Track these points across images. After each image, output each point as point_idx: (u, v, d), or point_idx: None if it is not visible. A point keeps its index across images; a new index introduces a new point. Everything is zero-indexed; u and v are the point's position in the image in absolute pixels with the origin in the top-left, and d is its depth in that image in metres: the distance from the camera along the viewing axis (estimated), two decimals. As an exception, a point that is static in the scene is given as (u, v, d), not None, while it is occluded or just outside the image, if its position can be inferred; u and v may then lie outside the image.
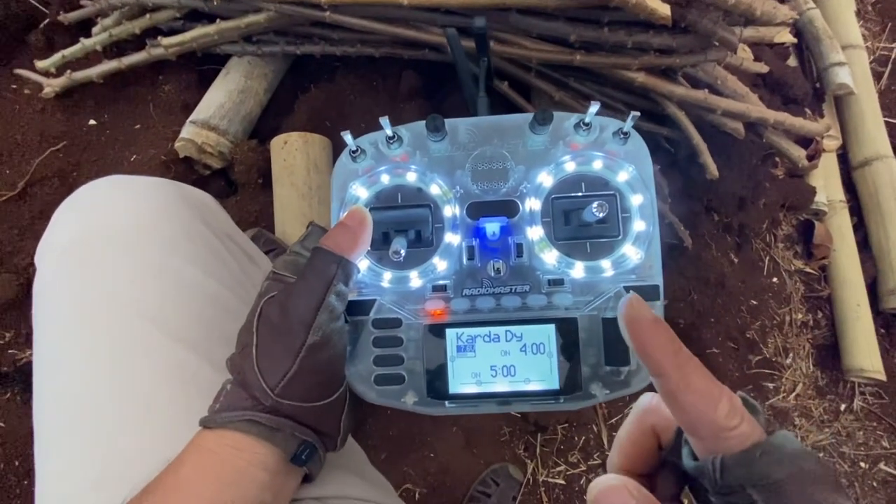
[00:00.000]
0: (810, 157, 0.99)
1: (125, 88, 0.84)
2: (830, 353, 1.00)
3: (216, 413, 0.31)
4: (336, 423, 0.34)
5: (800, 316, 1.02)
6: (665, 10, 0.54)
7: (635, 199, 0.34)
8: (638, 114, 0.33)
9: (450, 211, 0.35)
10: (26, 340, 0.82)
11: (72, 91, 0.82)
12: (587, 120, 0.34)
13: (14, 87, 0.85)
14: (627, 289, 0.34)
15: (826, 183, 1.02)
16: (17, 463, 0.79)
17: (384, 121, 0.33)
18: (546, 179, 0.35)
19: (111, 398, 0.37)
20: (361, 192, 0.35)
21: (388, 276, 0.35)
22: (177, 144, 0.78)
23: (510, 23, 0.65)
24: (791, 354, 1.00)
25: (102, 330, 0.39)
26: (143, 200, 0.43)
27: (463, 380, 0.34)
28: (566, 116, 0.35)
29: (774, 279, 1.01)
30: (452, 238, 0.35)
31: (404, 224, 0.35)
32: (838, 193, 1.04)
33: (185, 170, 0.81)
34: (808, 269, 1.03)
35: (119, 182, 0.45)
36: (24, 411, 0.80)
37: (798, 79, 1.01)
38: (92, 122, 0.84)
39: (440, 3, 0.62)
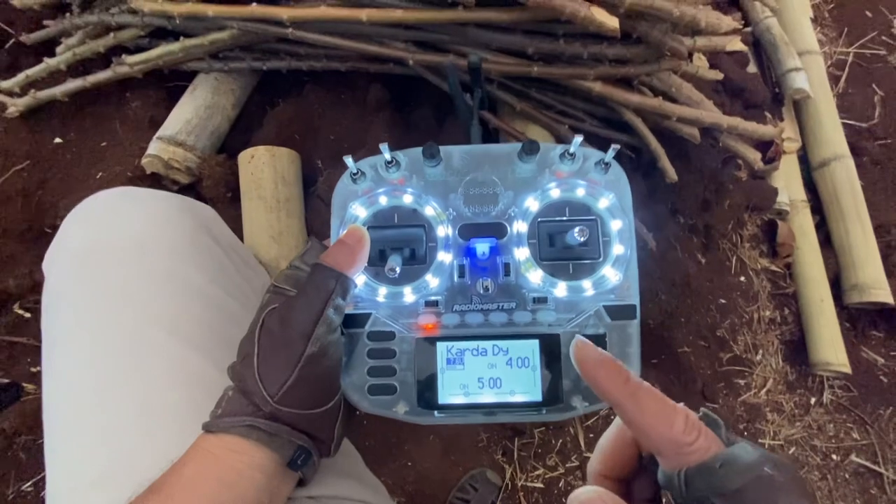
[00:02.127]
0: (770, 160, 1.02)
1: (91, 106, 0.84)
2: (798, 348, 1.03)
3: (218, 418, 0.33)
4: (331, 430, 0.36)
5: (767, 313, 1.04)
6: (613, 22, 0.56)
7: (615, 225, 0.37)
8: (618, 146, 0.36)
9: (443, 231, 0.38)
10: (-8, 362, 0.81)
11: (37, 110, 0.82)
12: (572, 150, 0.37)
13: (-23, 107, 0.85)
14: (606, 308, 0.37)
15: (788, 184, 1.06)
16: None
17: (383, 146, 0.36)
18: (532, 204, 0.38)
19: (119, 398, 0.39)
20: (360, 211, 0.38)
21: (383, 291, 0.37)
22: (143, 161, 0.78)
23: (469, 37, 0.67)
24: (761, 351, 1.03)
25: (111, 332, 0.41)
26: (151, 211, 0.45)
27: (452, 391, 0.36)
28: (552, 147, 0.38)
29: (742, 278, 1.04)
30: (445, 257, 0.37)
31: (400, 242, 0.37)
32: (800, 193, 1.07)
33: (153, 186, 0.80)
34: (773, 268, 1.06)
35: (128, 193, 0.47)
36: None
37: (758, 84, 1.05)
38: (57, 140, 0.84)
39: (399, 19, 0.64)
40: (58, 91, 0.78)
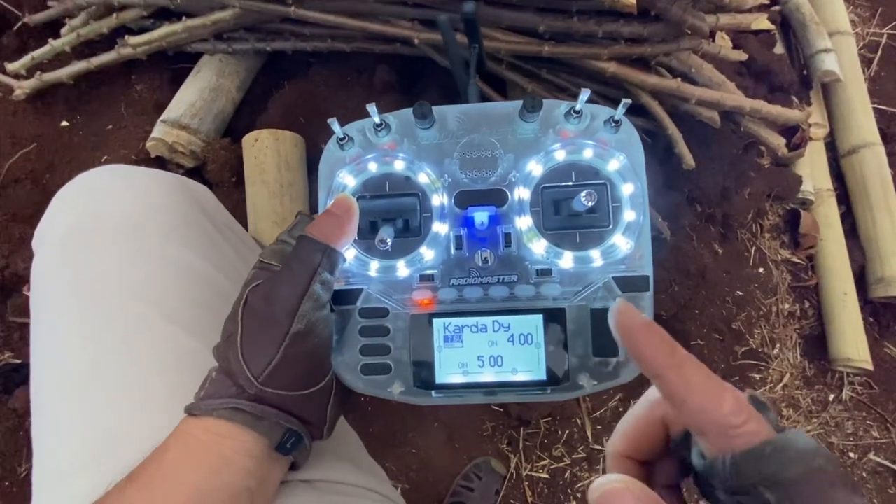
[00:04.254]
0: (796, 146, 0.97)
1: (97, 89, 0.84)
2: (818, 343, 0.99)
3: (201, 400, 0.32)
4: (322, 412, 0.34)
5: (786, 306, 1.01)
6: (630, -2, 0.53)
7: (626, 189, 0.34)
8: (629, 101, 0.32)
9: (438, 200, 0.35)
10: (4, 342, 0.82)
11: (43, 93, 0.82)
12: (578, 108, 0.33)
13: (-15, 90, 0.85)
14: (616, 279, 0.34)
15: (813, 171, 1.01)
16: (-2, 464, 0.79)
17: (371, 108, 0.33)
18: (535, 168, 0.35)
19: (106, 379, 0.38)
20: (349, 180, 0.35)
21: (375, 265, 0.35)
22: (148, 144, 0.77)
23: (479, 14, 0.64)
24: (778, 345, 0.99)
25: (101, 312, 0.39)
26: (142, 188, 0.44)
27: (450, 370, 0.34)
28: (556, 104, 0.35)
29: (760, 269, 1.00)
30: (440, 227, 0.35)
31: (392, 213, 0.35)
32: (826, 182, 1.02)
33: (158, 169, 0.80)
34: (794, 259, 1.02)
35: (118, 171, 0.45)
36: (4, 412, 0.80)
37: (784, 66, 0.99)
38: (64, 123, 0.84)
39: (403, -4, 0.61)
40: (63, 73, 0.78)
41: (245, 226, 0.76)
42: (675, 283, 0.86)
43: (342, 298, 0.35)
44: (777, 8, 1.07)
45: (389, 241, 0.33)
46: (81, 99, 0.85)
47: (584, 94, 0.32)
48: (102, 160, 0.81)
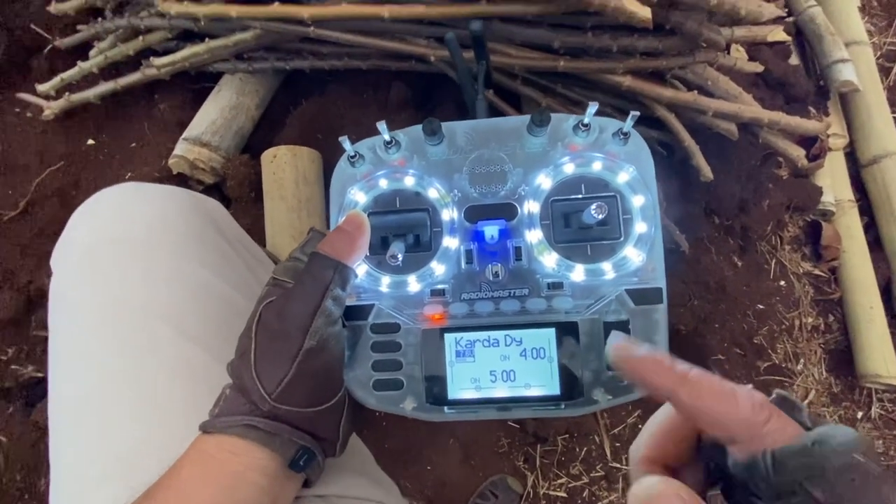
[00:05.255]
0: (815, 157, 0.96)
1: (122, 108, 0.86)
2: (844, 358, 0.96)
3: (216, 418, 0.32)
4: (335, 428, 0.34)
5: (810, 320, 0.98)
6: (645, 12, 0.53)
7: (636, 201, 0.34)
8: (637, 114, 0.33)
9: (448, 215, 0.35)
10: (27, 356, 0.84)
11: (72, 113, 0.85)
12: (586, 121, 0.33)
13: (17, 110, 0.88)
14: (629, 292, 0.33)
15: (833, 182, 0.99)
16: (18, 477, 0.80)
17: (381, 125, 0.34)
18: (545, 181, 0.35)
19: (123, 393, 0.38)
20: (360, 196, 0.36)
21: (386, 280, 0.35)
22: (170, 161, 0.79)
23: (493, 31, 0.65)
24: (802, 360, 0.96)
25: (116, 329, 0.40)
26: (157, 206, 0.45)
27: (462, 385, 0.34)
28: (564, 118, 0.35)
29: (782, 282, 0.98)
30: (451, 242, 0.35)
31: (403, 228, 0.35)
32: (847, 193, 1.00)
33: (179, 186, 0.82)
34: (817, 272, 0.99)
35: (133, 188, 0.46)
36: (27, 426, 0.81)
37: (800, 77, 0.99)
38: (90, 141, 0.87)
39: (421, 14, 0.62)
40: (91, 94, 0.80)
41: (263, 240, 0.77)
42: (694, 296, 0.85)
43: (354, 314, 0.35)
44: (791, 19, 1.06)
45: (400, 257, 0.33)
46: (107, 118, 0.87)
47: (592, 107, 0.32)
48: (126, 177, 0.83)
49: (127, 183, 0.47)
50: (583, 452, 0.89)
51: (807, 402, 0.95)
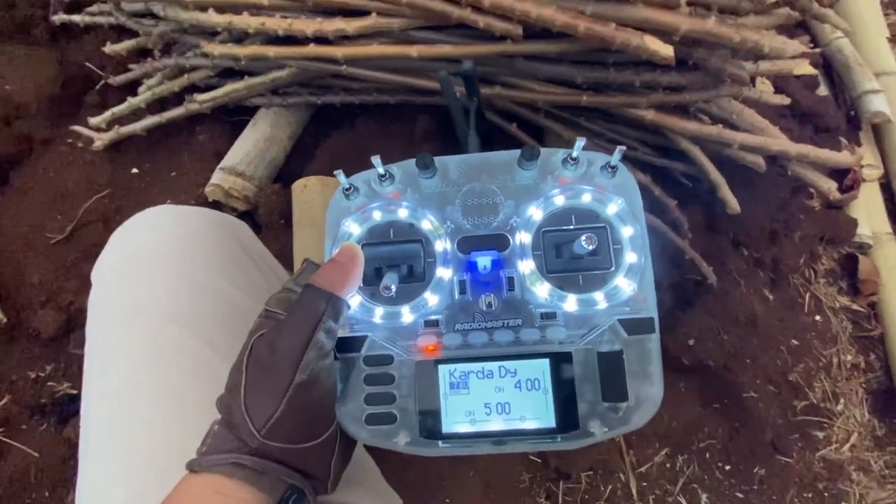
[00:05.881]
0: (848, 188, 0.93)
1: (164, 139, 0.91)
2: (888, 399, 0.91)
3: (203, 456, 0.32)
4: (326, 465, 0.34)
5: (849, 357, 0.93)
6: (668, 51, 0.54)
7: (626, 231, 0.34)
8: (624, 148, 0.34)
9: (441, 246, 0.36)
10: (64, 374, 0.87)
11: (118, 143, 0.90)
12: (574, 154, 0.34)
13: (69, 140, 0.94)
14: (622, 322, 0.33)
15: (869, 214, 0.96)
16: (47, 493, 0.82)
17: (375, 160, 0.35)
18: (536, 213, 0.35)
19: (145, 394, 0.40)
20: (354, 228, 0.36)
21: (379, 311, 0.35)
22: (206, 189, 0.83)
23: (516, 68, 0.67)
24: (842, 400, 0.91)
25: (143, 333, 0.42)
26: (186, 224, 0.48)
27: (456, 418, 0.33)
28: (553, 152, 0.36)
29: (817, 317, 0.94)
30: (444, 272, 0.35)
31: (396, 259, 0.36)
32: (884, 225, 0.97)
33: (200, 207, 0.86)
34: (855, 307, 0.95)
35: (166, 210, 0.51)
36: (58, 442, 0.84)
37: (829, 108, 0.98)
38: (134, 170, 0.92)
39: (448, 54, 0.65)
40: (137, 126, 0.86)
41: (291, 266, 0.79)
42: (724, 330, 0.82)
43: (347, 346, 0.35)
44: (818, 50, 1.06)
45: (394, 288, 0.33)
46: (150, 148, 0.93)
47: (580, 142, 0.33)
48: (164, 203, 0.88)
49: (159, 206, 0.51)
50: (607, 491, 0.86)
51: (849, 445, 0.89)
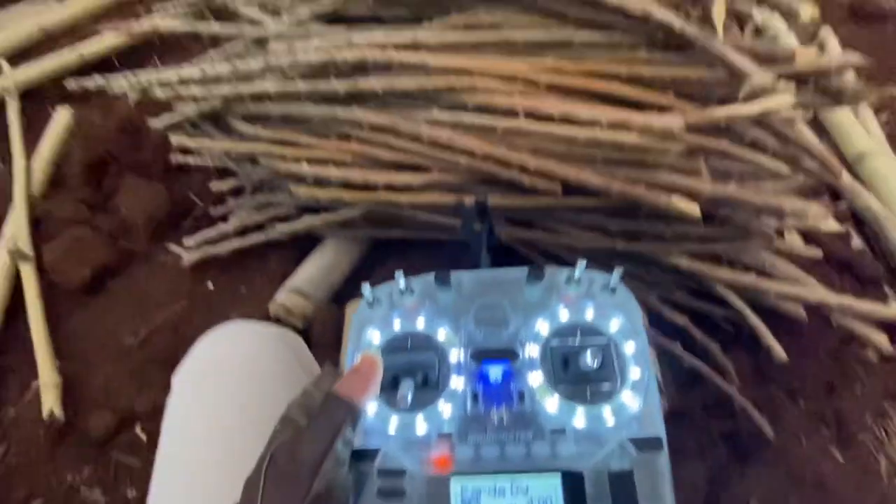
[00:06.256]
0: (904, 341, 0.90)
1: (241, 259, 1.04)
2: None
3: None
4: None
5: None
6: (694, 210, 0.61)
7: (628, 347, 0.37)
8: (622, 269, 0.38)
9: (455, 356, 0.39)
10: (99, 481, 0.88)
11: (201, 262, 1.03)
12: (576, 275, 0.39)
13: (162, 257, 1.09)
14: (632, 440, 0.34)
15: (935, 369, 0.90)
16: None
17: (398, 273, 0.40)
18: (543, 327, 0.39)
19: (211, 486, 0.44)
20: (375, 337, 0.40)
21: (394, 421, 0.37)
22: (270, 306, 0.92)
23: (555, 217, 0.76)
24: None
25: (218, 435, 0.48)
26: (257, 339, 0.57)
27: None
28: (557, 271, 0.41)
29: (898, 485, 0.83)
30: (457, 382, 0.38)
31: (412, 367, 0.38)
32: (955, 381, 0.90)
33: (265, 322, 0.93)
34: (943, 477, 0.84)
35: (241, 325, 0.60)
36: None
37: (866, 259, 0.99)
38: (210, 286, 1.03)
39: (496, 204, 0.75)
40: (222, 248, 0.99)
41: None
42: (790, 493, 0.74)
43: (360, 457, 0.36)
44: (845, 205, 1.11)
45: (410, 396, 0.36)
46: (227, 266, 1.05)
47: (581, 263, 0.37)
48: (231, 316, 0.96)
49: (238, 321, 0.61)
50: None
51: None
